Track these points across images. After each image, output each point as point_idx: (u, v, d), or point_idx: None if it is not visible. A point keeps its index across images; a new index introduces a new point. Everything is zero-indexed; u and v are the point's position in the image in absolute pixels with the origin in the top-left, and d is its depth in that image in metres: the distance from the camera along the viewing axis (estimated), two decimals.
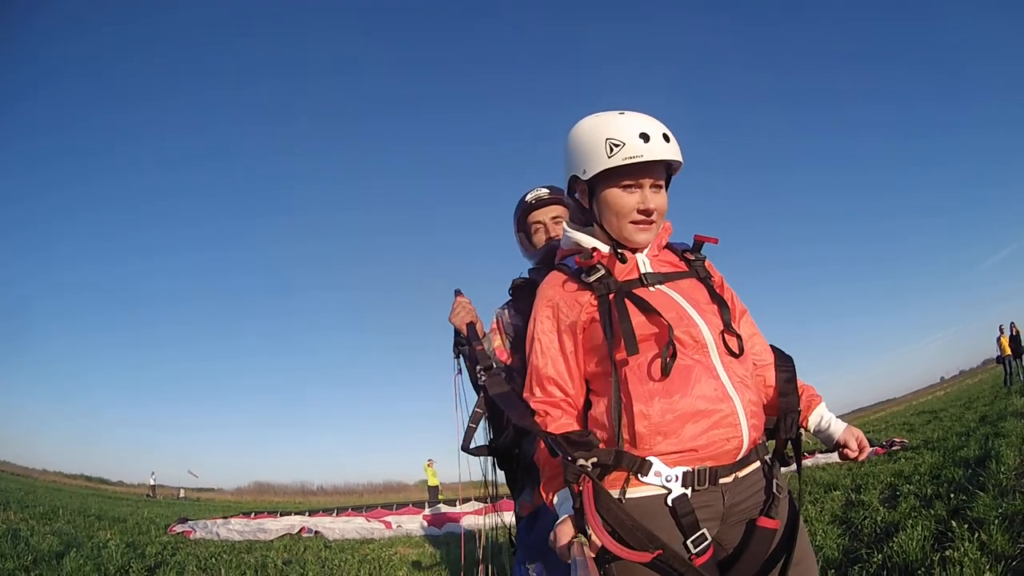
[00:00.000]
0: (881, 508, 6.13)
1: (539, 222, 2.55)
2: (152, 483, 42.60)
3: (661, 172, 1.79)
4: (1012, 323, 21.32)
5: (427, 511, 14.24)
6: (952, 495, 5.79)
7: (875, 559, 4.39)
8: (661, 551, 1.45)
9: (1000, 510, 4.67)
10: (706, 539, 1.56)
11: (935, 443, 10.56)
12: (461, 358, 2.50)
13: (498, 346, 2.47)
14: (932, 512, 5.35)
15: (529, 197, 2.58)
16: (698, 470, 1.57)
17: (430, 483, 23.30)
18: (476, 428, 2.30)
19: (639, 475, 1.57)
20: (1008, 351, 21.34)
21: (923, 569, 3.93)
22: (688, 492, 1.57)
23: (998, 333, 21.98)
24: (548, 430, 1.69)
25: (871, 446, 11.63)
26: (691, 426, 1.56)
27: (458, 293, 2.53)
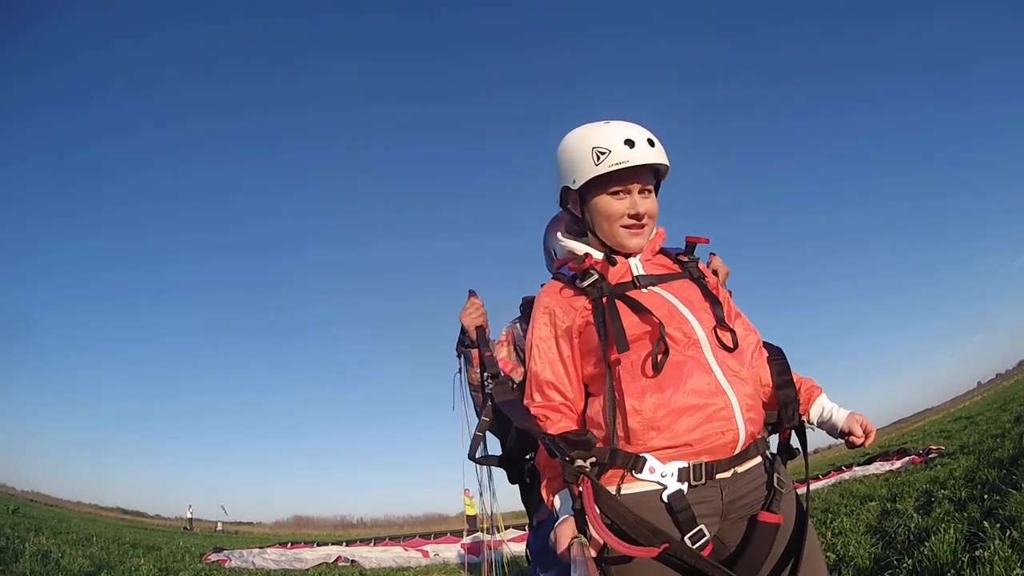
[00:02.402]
0: (915, 515, 6.04)
1: None
2: (190, 515, 42.26)
3: (649, 177, 1.84)
4: None
5: (466, 539, 14.08)
6: (986, 496, 5.71)
7: (905, 564, 4.36)
8: (668, 544, 1.44)
9: None
10: (704, 535, 1.55)
11: (971, 447, 10.36)
12: (463, 358, 2.50)
13: (503, 357, 2.48)
14: (965, 515, 5.27)
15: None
16: (694, 465, 1.57)
17: (468, 513, 23.09)
18: (483, 437, 2.28)
19: (634, 472, 1.57)
20: None
21: (953, 571, 3.88)
22: (684, 488, 1.56)
23: None
24: (548, 432, 1.70)
25: (907, 455, 11.63)
26: (684, 420, 1.56)
27: (472, 294, 2.51)
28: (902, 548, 4.94)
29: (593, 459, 1.56)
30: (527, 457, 2.30)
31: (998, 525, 4.36)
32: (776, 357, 1.90)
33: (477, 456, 2.29)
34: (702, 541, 1.54)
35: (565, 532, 1.54)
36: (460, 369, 2.52)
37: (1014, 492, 5.26)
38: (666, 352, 1.61)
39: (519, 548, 2.83)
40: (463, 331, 2.44)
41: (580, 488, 1.52)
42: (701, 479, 1.57)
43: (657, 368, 1.60)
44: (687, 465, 1.57)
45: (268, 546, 15.42)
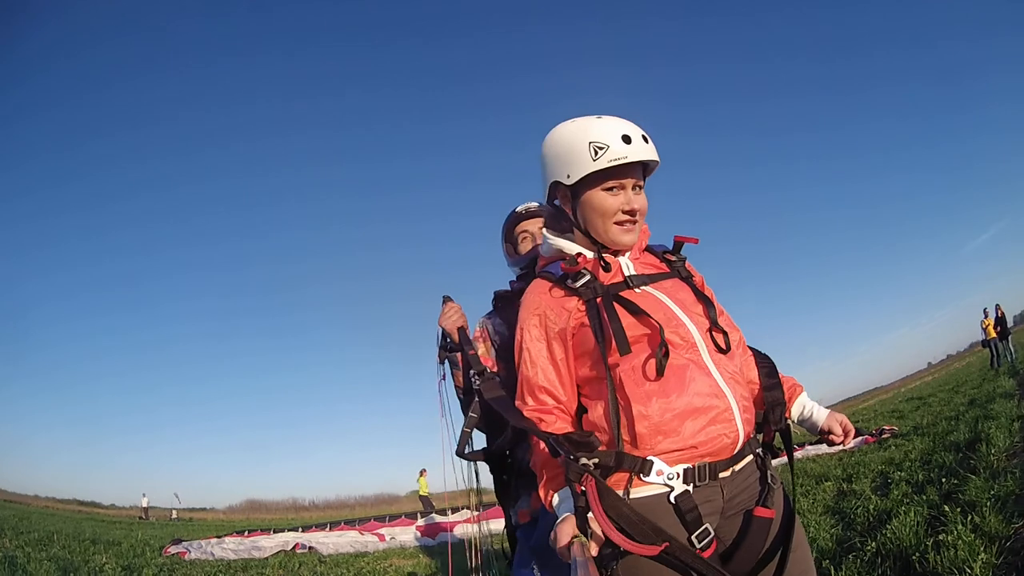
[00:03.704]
0: (873, 496, 6.13)
1: (526, 231, 2.60)
2: (144, 505, 41.45)
3: (640, 173, 1.82)
4: (997, 305, 21.40)
5: (420, 522, 14.28)
6: (944, 479, 5.80)
7: (869, 547, 4.38)
8: (668, 543, 1.45)
9: (992, 492, 4.68)
10: (709, 534, 1.56)
11: (925, 429, 10.62)
12: (447, 363, 2.48)
13: (482, 354, 2.42)
14: (924, 497, 5.35)
15: (519, 208, 2.64)
16: (698, 466, 1.58)
17: (421, 493, 23.20)
18: (471, 433, 2.27)
19: (641, 475, 1.57)
20: (993, 334, 21.48)
21: (917, 554, 3.91)
22: (690, 489, 1.58)
23: (982, 316, 22.14)
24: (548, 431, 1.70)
25: (860, 435, 11.85)
26: (690, 423, 1.57)
27: (447, 299, 2.50)
28: (863, 530, 4.98)
29: (597, 460, 1.56)
30: (506, 453, 2.34)
31: (959, 510, 4.42)
32: (764, 360, 1.94)
33: (466, 452, 2.28)
34: (707, 539, 1.56)
35: (566, 531, 1.53)
36: (443, 376, 2.49)
37: (972, 477, 5.35)
38: (667, 355, 1.60)
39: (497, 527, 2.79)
40: (444, 336, 2.43)
41: (584, 487, 1.53)
42: (705, 480, 1.59)
43: (660, 372, 1.59)
44: (692, 467, 1.58)
45: (225, 535, 15.51)
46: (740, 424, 1.62)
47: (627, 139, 1.73)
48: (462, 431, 2.26)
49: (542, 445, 1.69)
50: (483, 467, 2.48)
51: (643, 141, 1.76)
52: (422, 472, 23.07)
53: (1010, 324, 21.60)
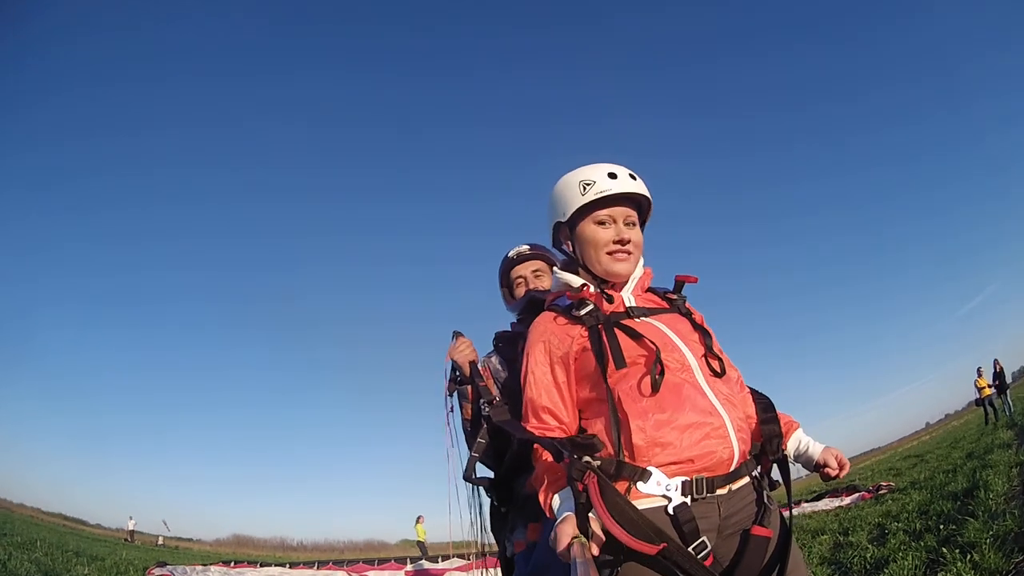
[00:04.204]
0: (870, 547, 5.91)
1: (521, 276, 2.70)
2: (131, 528, 40.56)
3: (634, 209, 1.96)
4: (995, 360, 21.10)
5: (409, 567, 13.91)
6: (942, 527, 5.58)
7: None
8: (666, 544, 1.48)
9: (991, 532, 4.50)
10: (706, 547, 1.58)
11: (922, 483, 10.34)
12: (456, 395, 2.54)
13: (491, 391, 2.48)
14: (922, 543, 5.15)
15: (511, 253, 2.75)
16: (696, 479, 1.61)
17: (419, 539, 22.57)
18: (479, 458, 2.33)
19: (640, 484, 1.60)
20: (988, 392, 21.27)
21: None
22: (688, 501, 1.60)
23: (975, 376, 21.98)
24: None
25: (856, 491, 11.60)
26: (686, 437, 1.62)
27: (458, 334, 2.59)
28: None
29: (599, 463, 1.60)
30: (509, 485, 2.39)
31: (957, 550, 4.24)
32: (761, 396, 1.96)
33: (473, 477, 2.37)
34: (704, 552, 1.57)
35: (566, 531, 1.56)
36: (451, 408, 2.56)
37: (971, 520, 5.15)
38: (663, 373, 1.68)
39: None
40: (455, 369, 2.51)
41: (585, 483, 1.56)
42: (703, 493, 1.62)
43: (655, 387, 1.66)
44: (690, 479, 1.62)
45: (211, 564, 15.24)
46: (735, 442, 1.66)
47: (613, 175, 1.90)
48: (470, 456, 2.33)
49: (544, 455, 1.75)
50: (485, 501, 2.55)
51: (630, 178, 1.92)
52: (419, 519, 22.54)
53: (1008, 380, 21.35)
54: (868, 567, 5.06)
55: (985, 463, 9.32)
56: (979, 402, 22.45)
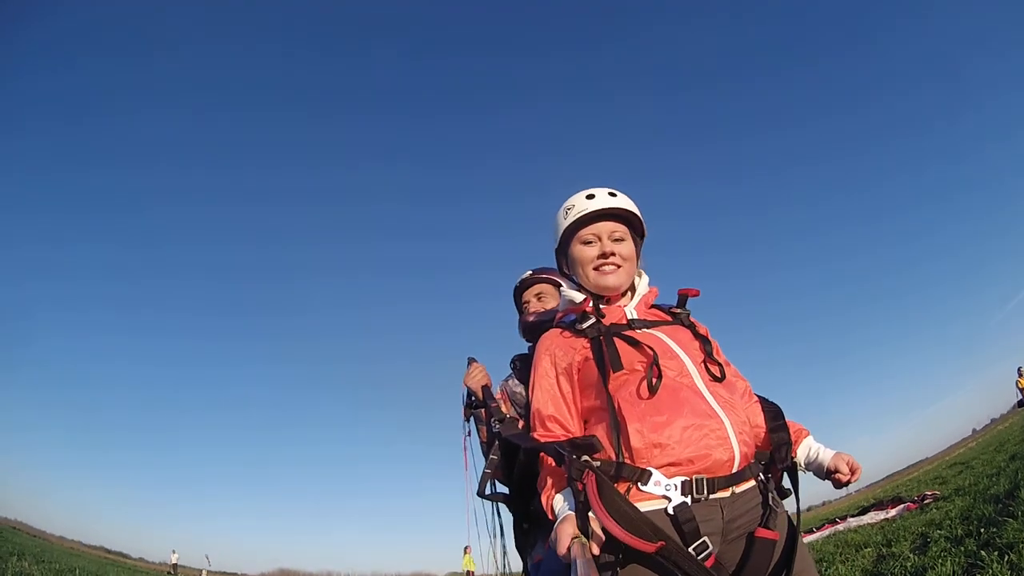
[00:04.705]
0: (912, 556, 5.81)
1: (526, 301, 2.88)
2: (174, 561, 40.50)
3: (621, 224, 2.04)
4: None
5: None
6: (983, 530, 5.46)
7: None
8: (664, 543, 1.48)
9: None
10: (707, 547, 1.57)
11: (966, 489, 10.09)
12: (472, 420, 2.64)
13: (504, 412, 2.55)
14: (963, 548, 5.06)
15: (518, 280, 2.93)
16: (696, 479, 1.63)
17: (468, 568, 22.24)
18: (491, 474, 2.36)
19: (640, 484, 1.62)
20: None
21: None
22: (688, 500, 1.61)
23: (1016, 376, 21.54)
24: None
25: (901, 503, 11.36)
26: (684, 438, 1.64)
27: (472, 360, 2.71)
28: None
29: (599, 464, 1.62)
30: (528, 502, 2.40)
31: (996, 552, 4.17)
32: (770, 405, 1.99)
33: (486, 493, 2.40)
34: (705, 553, 1.57)
35: (566, 531, 1.57)
36: (468, 432, 2.67)
37: (1011, 520, 5.05)
38: (660, 377, 1.72)
39: None
40: (470, 394, 2.63)
41: (584, 483, 1.57)
42: (703, 493, 1.63)
43: (652, 391, 1.71)
44: (690, 479, 1.63)
45: None
46: (736, 444, 1.68)
47: (591, 196, 2.02)
48: (483, 472, 2.37)
49: (549, 460, 1.78)
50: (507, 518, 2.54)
51: (608, 196, 2.02)
52: (466, 549, 22.18)
53: None
54: (908, 575, 4.95)
55: None
56: (1021, 403, 21.96)
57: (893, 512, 11.63)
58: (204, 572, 43.01)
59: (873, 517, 12.01)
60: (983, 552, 4.31)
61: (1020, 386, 21.36)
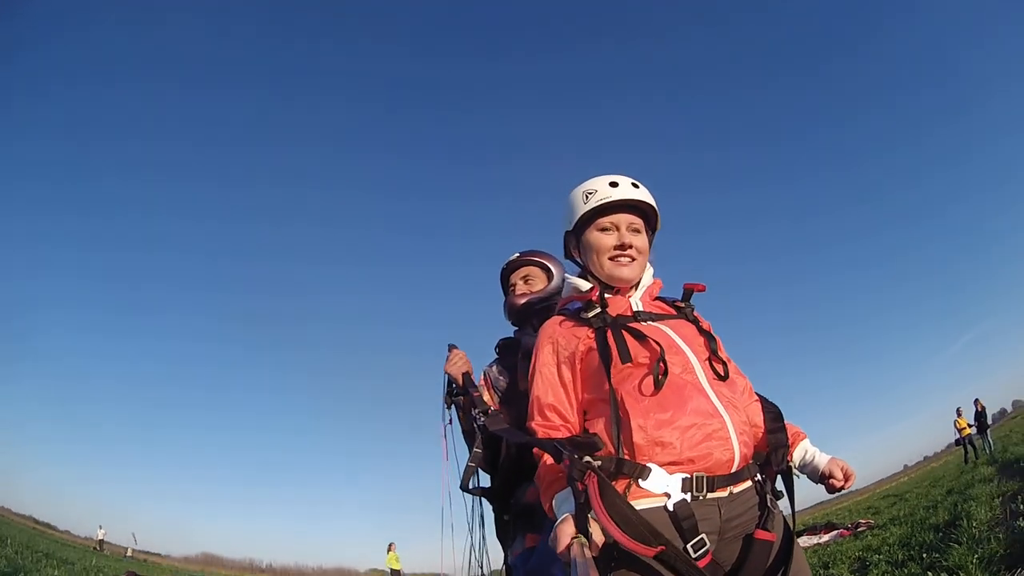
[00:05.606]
0: None
1: (513, 283, 2.82)
2: (100, 537, 39.94)
3: (639, 217, 1.99)
4: (976, 399, 21.15)
5: None
6: (924, 555, 5.44)
7: None
8: (664, 547, 1.47)
9: (977, 555, 4.35)
10: (705, 543, 1.57)
11: (902, 519, 10.20)
12: (453, 408, 2.59)
13: (486, 400, 2.51)
14: (906, 571, 5.04)
15: (504, 263, 2.88)
16: (696, 476, 1.61)
17: (392, 568, 21.81)
18: (475, 468, 2.37)
19: (640, 480, 1.60)
20: (967, 431, 21.21)
21: None
22: (687, 497, 1.60)
23: (955, 416, 21.94)
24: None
25: (834, 529, 11.44)
26: (686, 437, 1.62)
27: (452, 347, 2.67)
28: None
29: (600, 463, 1.59)
30: (509, 492, 2.43)
31: (944, 574, 4.10)
32: (770, 405, 1.97)
33: (470, 487, 2.39)
34: (703, 549, 1.56)
35: (565, 531, 1.55)
36: (449, 420, 2.60)
37: (956, 546, 4.99)
38: (666, 373, 1.69)
39: None
40: (450, 382, 2.57)
41: (585, 483, 1.55)
42: (703, 491, 1.61)
43: (658, 386, 1.67)
44: (690, 476, 1.61)
45: None
46: (736, 444, 1.66)
47: (615, 184, 1.96)
48: (467, 466, 2.37)
49: (546, 457, 1.76)
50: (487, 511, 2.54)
51: (631, 186, 1.97)
52: (390, 546, 21.80)
53: (989, 421, 21.34)
54: None
55: (967, 497, 9.20)
56: (959, 442, 22.36)
57: (826, 538, 11.76)
58: (130, 550, 42.42)
59: (806, 541, 12.07)
60: (929, 574, 4.21)
61: (958, 426, 21.72)
